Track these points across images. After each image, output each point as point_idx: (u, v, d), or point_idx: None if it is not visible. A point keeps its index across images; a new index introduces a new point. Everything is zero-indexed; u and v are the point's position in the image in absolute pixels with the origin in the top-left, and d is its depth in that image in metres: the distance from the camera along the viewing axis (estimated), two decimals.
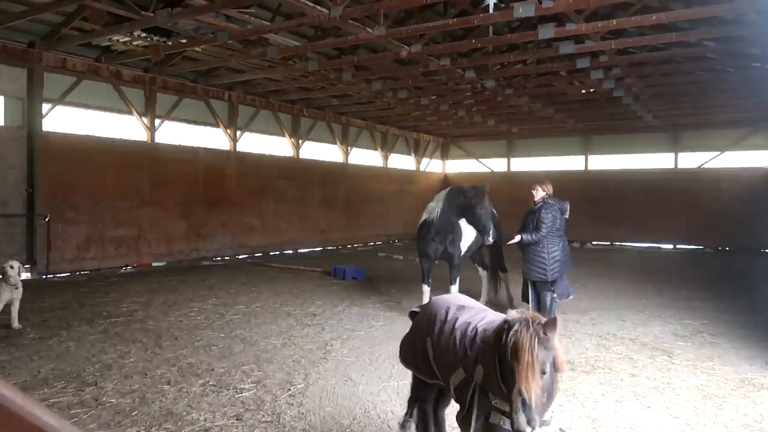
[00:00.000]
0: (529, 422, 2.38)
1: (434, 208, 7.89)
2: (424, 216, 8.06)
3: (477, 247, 8.75)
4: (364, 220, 20.62)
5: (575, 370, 5.69)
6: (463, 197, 7.55)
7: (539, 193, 7.45)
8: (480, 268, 9.21)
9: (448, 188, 8.08)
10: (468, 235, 8.16)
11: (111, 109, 13.42)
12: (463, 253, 8.28)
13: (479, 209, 7.36)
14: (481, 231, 7.48)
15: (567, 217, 7.73)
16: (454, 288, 7.93)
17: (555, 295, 7.40)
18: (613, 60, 11.78)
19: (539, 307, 7.38)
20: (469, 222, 7.67)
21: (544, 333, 2.45)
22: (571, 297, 7.94)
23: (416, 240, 8.27)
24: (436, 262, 8.30)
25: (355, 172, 20.92)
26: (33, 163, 11.46)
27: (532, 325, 2.47)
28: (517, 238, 7.29)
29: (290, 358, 6.05)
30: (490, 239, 7.46)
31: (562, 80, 14.47)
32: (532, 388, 2.39)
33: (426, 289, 8.04)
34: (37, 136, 11.53)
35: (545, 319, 2.53)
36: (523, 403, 2.39)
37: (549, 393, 2.52)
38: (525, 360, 2.41)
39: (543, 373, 2.42)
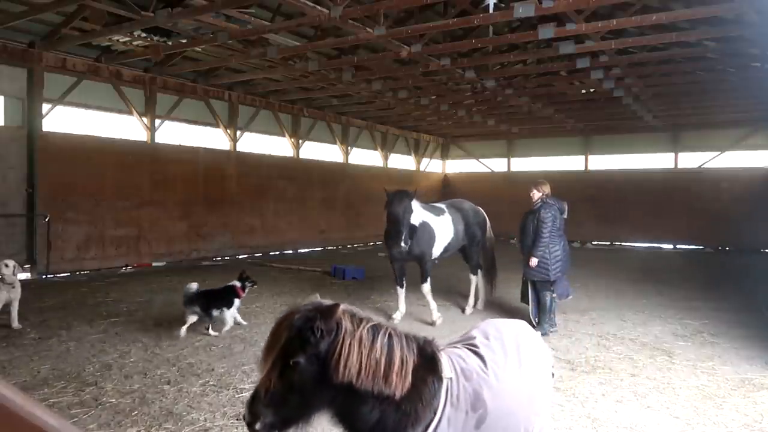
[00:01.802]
0: (250, 412, 1.97)
1: None
2: None
3: (458, 248, 8.59)
4: (364, 220, 20.61)
5: (575, 370, 5.69)
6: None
7: (536, 194, 7.46)
8: (471, 274, 8.96)
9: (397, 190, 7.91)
10: (442, 236, 8.05)
11: (111, 109, 13.42)
12: (438, 254, 8.14)
13: (390, 212, 7.34)
14: (397, 236, 7.32)
15: (566, 216, 7.73)
16: (426, 287, 7.83)
17: (555, 295, 7.41)
18: (613, 60, 11.78)
19: (539, 307, 7.40)
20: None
21: (310, 322, 1.96)
22: (570, 297, 7.93)
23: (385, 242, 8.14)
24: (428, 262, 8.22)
25: (355, 172, 20.92)
26: (33, 163, 11.46)
27: (304, 310, 2.04)
28: (534, 261, 7.22)
29: None
30: (402, 244, 7.31)
31: (562, 80, 14.47)
32: (260, 374, 2.02)
33: (400, 291, 7.98)
34: (37, 136, 11.53)
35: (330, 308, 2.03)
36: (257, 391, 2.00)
37: (304, 395, 1.98)
38: (265, 340, 2.07)
39: (288, 364, 1.95)
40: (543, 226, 7.18)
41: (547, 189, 7.50)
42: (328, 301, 2.11)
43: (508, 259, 8.86)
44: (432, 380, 2.08)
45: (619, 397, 4.92)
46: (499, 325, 2.61)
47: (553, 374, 2.64)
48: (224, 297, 7.07)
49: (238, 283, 7.27)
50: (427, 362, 2.11)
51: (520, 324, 2.72)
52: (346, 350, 1.94)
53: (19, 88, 11.50)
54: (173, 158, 14.27)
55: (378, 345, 1.99)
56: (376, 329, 2.04)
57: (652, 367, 5.85)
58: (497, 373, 2.26)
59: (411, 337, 2.14)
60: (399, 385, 1.97)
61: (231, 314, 7.09)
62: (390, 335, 2.04)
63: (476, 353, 2.34)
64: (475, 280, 8.88)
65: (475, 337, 2.47)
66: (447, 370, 2.13)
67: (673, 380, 5.40)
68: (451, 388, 2.10)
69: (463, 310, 8.70)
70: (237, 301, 7.19)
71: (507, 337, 2.48)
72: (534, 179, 7.84)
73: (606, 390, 5.11)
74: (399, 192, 7.60)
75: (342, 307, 2.05)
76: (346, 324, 2.00)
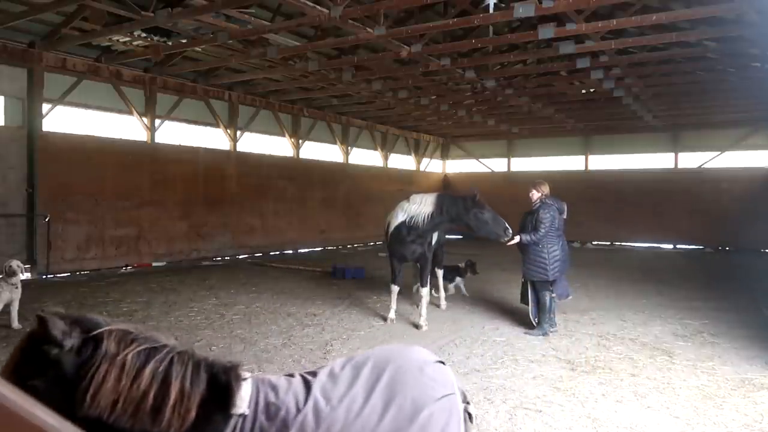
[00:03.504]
0: None
1: (418, 211, 7.53)
2: (402, 217, 7.66)
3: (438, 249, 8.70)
4: (364, 220, 20.63)
5: (575, 370, 5.69)
6: (462, 206, 7.29)
7: (536, 194, 7.47)
8: (437, 269, 9.08)
9: (436, 194, 7.72)
10: (434, 236, 8.10)
11: (111, 109, 13.41)
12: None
13: (486, 213, 7.21)
14: (495, 233, 7.26)
15: (565, 217, 7.73)
16: (425, 290, 7.82)
17: (554, 295, 7.41)
18: (613, 60, 11.78)
19: (539, 307, 7.40)
20: (473, 227, 7.37)
21: (53, 338, 1.54)
22: (570, 297, 7.94)
23: (390, 242, 7.91)
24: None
25: (355, 172, 20.92)
26: (33, 163, 11.46)
27: (53, 323, 1.57)
28: (517, 238, 7.29)
29: (290, 358, 6.05)
30: (510, 235, 7.27)
31: (562, 80, 14.47)
32: None
33: (395, 289, 7.97)
34: (37, 136, 11.53)
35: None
36: None
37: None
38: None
39: (27, 386, 1.51)
40: (541, 227, 7.18)
41: (546, 189, 7.51)
42: (93, 316, 1.71)
43: (508, 259, 8.87)
44: (220, 417, 1.68)
45: (619, 397, 4.92)
46: (377, 351, 2.06)
47: (470, 414, 1.98)
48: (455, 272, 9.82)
49: (462, 265, 9.83)
50: (220, 395, 1.70)
51: (410, 350, 2.08)
52: (100, 377, 1.54)
53: (19, 88, 11.50)
54: (173, 158, 14.27)
55: (147, 372, 1.59)
56: (150, 353, 1.63)
57: (652, 367, 5.84)
58: (320, 410, 1.78)
59: (205, 363, 1.71)
60: (175, 422, 1.58)
61: (456, 284, 9.89)
62: (171, 361, 1.64)
63: (306, 383, 1.88)
64: (442, 274, 9.19)
65: (326, 366, 2.05)
66: (241, 405, 1.71)
67: (673, 380, 5.40)
68: (241, 427, 1.69)
69: (438, 306, 8.86)
70: (459, 278, 9.86)
71: (372, 365, 1.94)
72: (534, 179, 7.85)
73: (606, 390, 5.11)
74: (474, 195, 7.38)
75: (111, 325, 1.67)
76: (108, 345, 1.59)
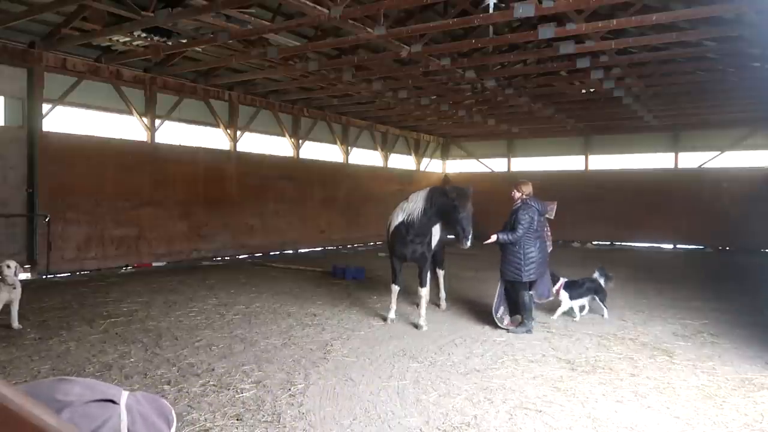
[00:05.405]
0: None
1: (414, 208, 7.47)
2: (401, 217, 7.64)
3: (438, 249, 8.57)
4: (364, 220, 20.63)
5: (575, 370, 5.69)
6: (446, 198, 7.14)
7: (517, 195, 7.45)
8: (438, 269, 9.05)
9: (428, 188, 7.68)
10: (435, 235, 8.00)
11: (111, 109, 13.41)
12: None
13: (461, 212, 6.96)
14: (459, 235, 7.00)
15: (551, 217, 7.71)
16: (425, 290, 7.77)
17: (531, 292, 7.40)
18: (613, 60, 11.78)
19: (517, 306, 7.39)
20: (448, 224, 7.27)
21: None
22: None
23: (391, 242, 7.87)
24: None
25: (355, 172, 20.92)
26: (33, 163, 11.45)
27: None
28: (493, 237, 7.25)
29: (290, 358, 6.05)
30: (468, 244, 7.03)
31: (562, 80, 14.48)
32: None
33: (396, 289, 7.92)
34: (37, 136, 11.52)
35: None
36: None
37: None
38: None
39: None
40: (519, 227, 7.15)
41: (527, 189, 7.46)
42: None
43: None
44: None
45: (619, 397, 4.92)
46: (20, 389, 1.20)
47: None
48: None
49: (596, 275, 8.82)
50: None
51: (56, 390, 1.29)
52: None
53: (19, 88, 11.49)
54: (173, 158, 14.27)
55: None
56: None
57: (652, 367, 5.84)
58: None
59: None
60: None
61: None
62: None
63: None
64: (443, 274, 9.13)
65: None
66: None
67: (674, 380, 5.40)
68: None
69: (438, 306, 8.85)
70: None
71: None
72: (535, 179, 7.85)
73: (606, 390, 5.11)
74: (462, 190, 7.14)
75: None
76: None
